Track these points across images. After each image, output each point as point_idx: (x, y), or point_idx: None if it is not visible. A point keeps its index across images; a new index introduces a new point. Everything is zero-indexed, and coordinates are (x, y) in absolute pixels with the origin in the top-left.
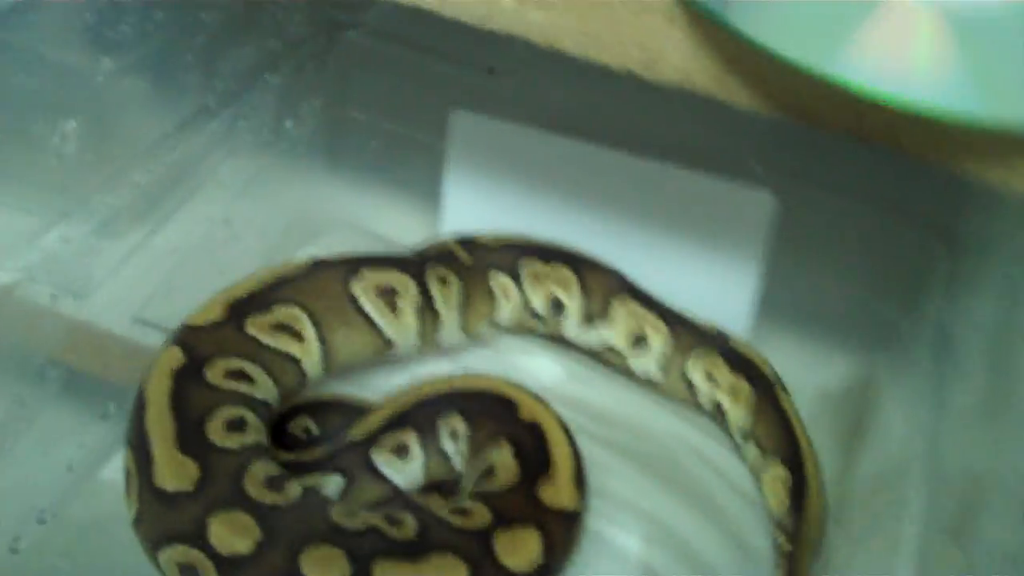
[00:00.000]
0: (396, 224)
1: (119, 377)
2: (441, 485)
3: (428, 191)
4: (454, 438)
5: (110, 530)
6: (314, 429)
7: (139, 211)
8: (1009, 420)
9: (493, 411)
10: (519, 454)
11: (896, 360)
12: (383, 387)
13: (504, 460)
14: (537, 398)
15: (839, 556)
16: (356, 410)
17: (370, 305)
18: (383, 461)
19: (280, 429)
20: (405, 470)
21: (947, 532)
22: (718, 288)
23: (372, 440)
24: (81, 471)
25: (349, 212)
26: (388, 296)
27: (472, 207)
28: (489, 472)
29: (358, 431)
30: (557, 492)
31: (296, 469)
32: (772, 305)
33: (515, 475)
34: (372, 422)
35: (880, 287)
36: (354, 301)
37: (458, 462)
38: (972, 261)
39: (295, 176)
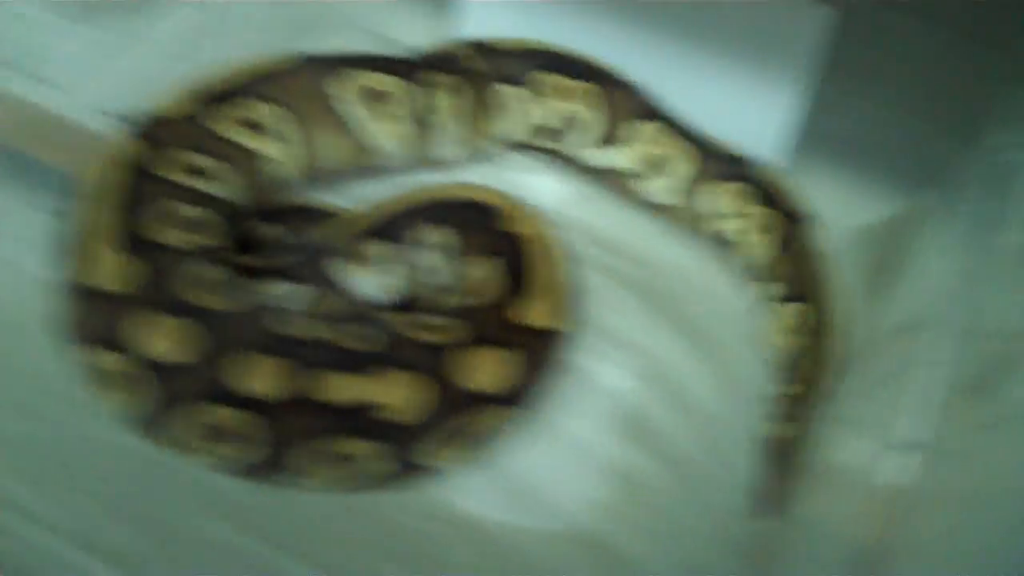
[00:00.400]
0: (405, 24)
1: (77, 168)
2: (416, 301)
3: None
4: (433, 250)
5: (31, 330)
6: (285, 235)
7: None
8: None
9: (478, 222)
10: (499, 269)
11: (946, 196)
12: (369, 198)
13: (483, 274)
14: (528, 211)
15: (849, 406)
16: (332, 218)
17: (355, 108)
18: (352, 272)
19: (249, 233)
20: (376, 283)
21: (971, 389)
22: (756, 111)
23: (342, 249)
24: (17, 267)
25: (352, 8)
26: (376, 100)
27: (490, 8)
28: (465, 286)
29: (329, 239)
30: (534, 310)
31: (258, 274)
32: (815, 133)
33: (492, 290)
34: (345, 230)
35: (938, 117)
36: (337, 102)
37: (436, 276)
38: None
39: None
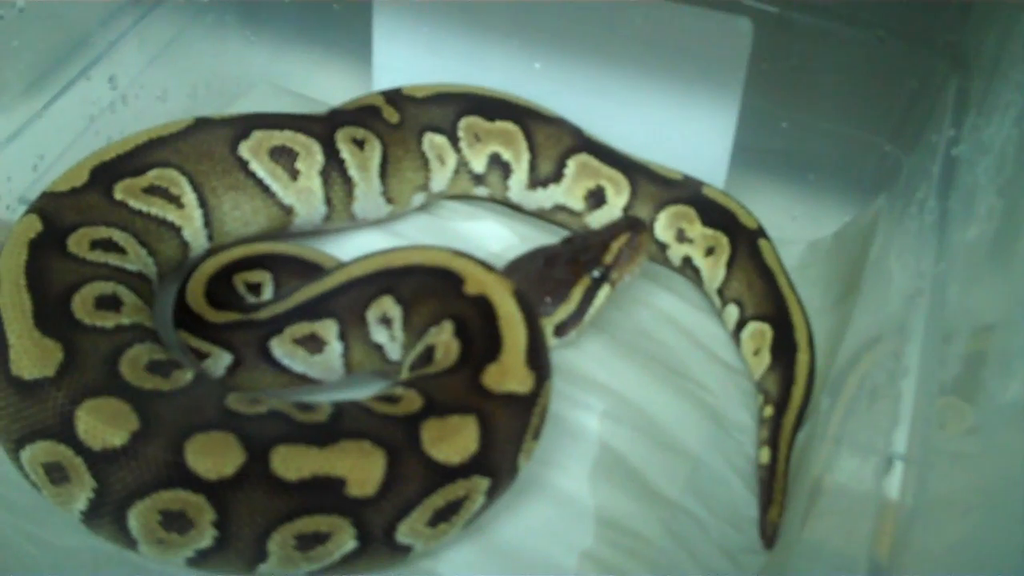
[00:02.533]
0: (325, 83)
1: None
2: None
3: (360, 44)
4: (386, 324)
5: None
6: (267, 285)
7: (28, 83)
8: (1021, 257)
9: (433, 287)
10: (462, 333)
11: (897, 202)
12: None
13: (444, 341)
14: (487, 267)
15: (830, 425)
16: (317, 268)
17: (262, 168)
18: (283, 352)
19: (226, 282)
20: (314, 362)
21: (950, 390)
22: (691, 134)
23: (274, 326)
24: None
25: (270, 72)
26: (284, 159)
27: (407, 59)
28: (428, 355)
29: (268, 311)
30: (505, 375)
31: (202, 331)
32: (753, 150)
33: (456, 357)
34: (286, 304)
35: (878, 121)
36: (243, 164)
37: (394, 351)
38: (982, 81)
39: (201, 35)
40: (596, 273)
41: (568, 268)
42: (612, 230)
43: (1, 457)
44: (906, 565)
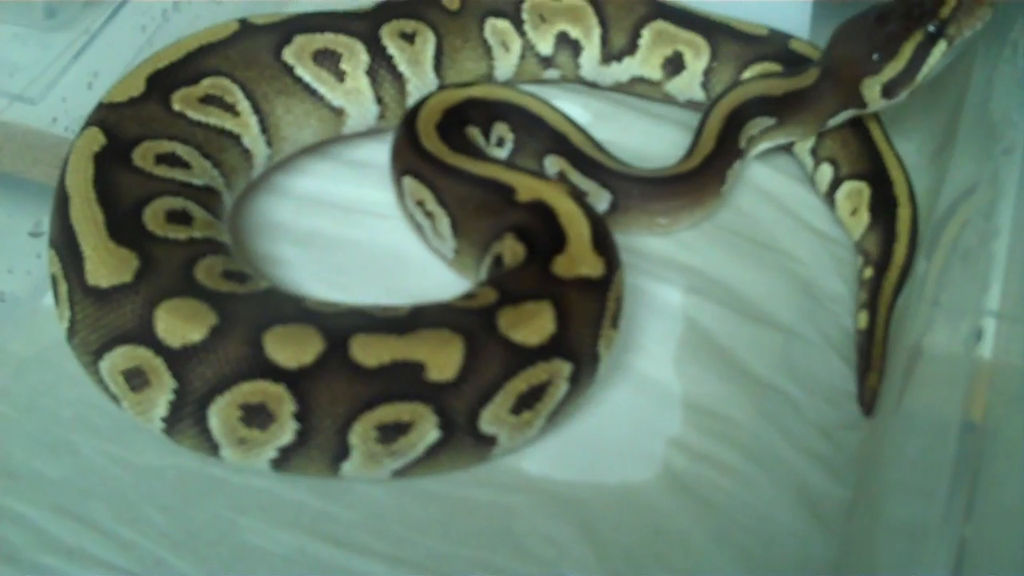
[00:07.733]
0: None
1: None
2: None
3: None
4: (424, 211)
5: (54, 361)
6: (507, 136)
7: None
8: None
9: (483, 200)
10: (525, 238)
11: (993, 42)
12: None
13: (510, 246)
14: (537, 175)
15: (926, 287)
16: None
17: (307, 73)
18: None
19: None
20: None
21: None
22: None
23: None
24: (14, 300)
25: None
26: (328, 61)
27: None
28: (497, 262)
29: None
30: (574, 261)
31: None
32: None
33: (523, 256)
34: None
35: None
36: (288, 69)
37: (439, 244)
38: None
39: None
40: (931, 28)
41: (901, 23)
42: None
43: (79, 380)
44: (1000, 422)
